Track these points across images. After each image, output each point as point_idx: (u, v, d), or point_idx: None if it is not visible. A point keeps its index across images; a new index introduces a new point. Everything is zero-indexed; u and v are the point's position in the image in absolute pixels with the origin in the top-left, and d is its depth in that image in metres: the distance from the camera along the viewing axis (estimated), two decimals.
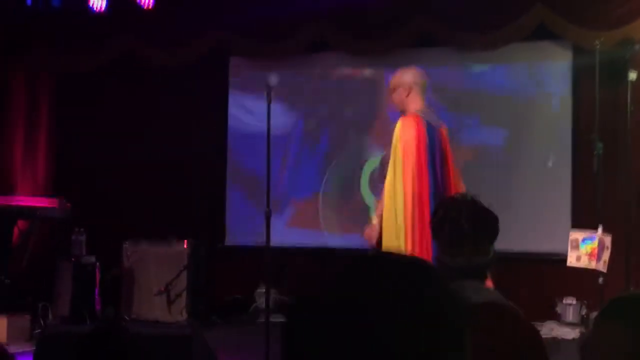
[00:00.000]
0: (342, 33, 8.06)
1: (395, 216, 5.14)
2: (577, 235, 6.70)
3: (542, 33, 7.64)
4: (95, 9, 8.40)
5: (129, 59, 8.60)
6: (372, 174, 8.28)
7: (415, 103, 5.43)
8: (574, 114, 7.75)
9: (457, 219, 2.47)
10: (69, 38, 8.64)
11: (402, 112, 5.42)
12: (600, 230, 6.66)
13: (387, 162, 5.35)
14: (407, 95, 5.44)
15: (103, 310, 7.78)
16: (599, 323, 1.68)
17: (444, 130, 5.45)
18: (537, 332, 2.47)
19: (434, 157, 5.26)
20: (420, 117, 5.34)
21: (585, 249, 6.59)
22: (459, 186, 5.37)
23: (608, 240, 6.60)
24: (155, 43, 8.52)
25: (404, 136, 5.23)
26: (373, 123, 8.36)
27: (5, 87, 8.96)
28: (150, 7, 8.37)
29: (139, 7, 8.36)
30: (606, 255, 6.56)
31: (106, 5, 8.41)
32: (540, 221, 7.79)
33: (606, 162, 6.97)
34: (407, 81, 5.51)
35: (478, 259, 2.46)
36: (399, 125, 5.30)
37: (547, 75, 7.90)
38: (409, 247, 5.06)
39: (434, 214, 2.56)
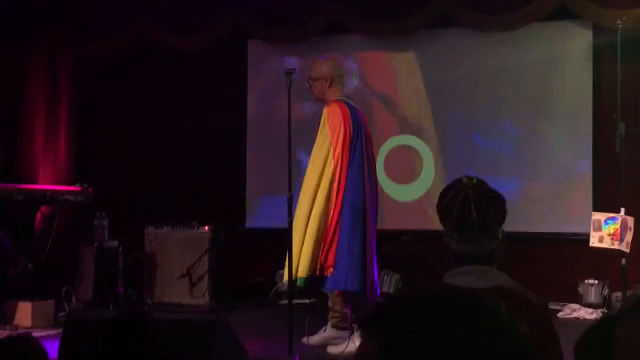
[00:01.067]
0: (360, 15, 8.03)
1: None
2: (599, 216, 6.67)
3: (562, 13, 7.58)
4: None
5: (147, 44, 8.60)
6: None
7: (335, 93, 5.86)
8: (595, 94, 7.70)
9: (464, 203, 2.41)
10: (87, 22, 8.65)
11: (322, 102, 5.88)
12: (622, 211, 6.63)
13: None
14: (329, 86, 5.83)
15: (126, 293, 7.84)
16: (621, 323, 1.63)
17: (364, 114, 6.00)
18: (549, 316, 2.46)
19: (362, 138, 5.74)
20: (342, 102, 5.84)
21: (608, 230, 6.57)
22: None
23: (631, 221, 6.57)
24: (172, 27, 8.51)
25: (332, 122, 5.71)
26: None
27: (25, 74, 9.00)
28: None
29: None
30: (629, 236, 6.53)
31: None
32: (562, 202, 7.77)
33: (628, 143, 6.93)
34: (328, 72, 5.88)
35: (487, 244, 2.42)
36: (325, 113, 5.76)
37: (567, 56, 7.85)
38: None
39: (441, 198, 2.49)
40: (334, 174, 5.65)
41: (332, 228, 5.63)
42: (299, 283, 5.64)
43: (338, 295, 5.74)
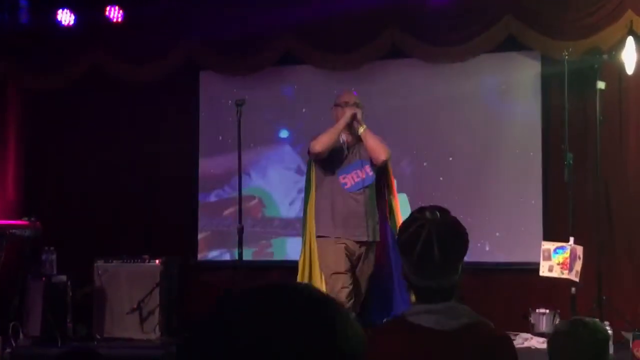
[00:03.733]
0: (311, 47, 8.05)
1: None
2: (549, 245, 6.72)
3: (511, 44, 7.67)
4: (63, 23, 8.34)
5: (98, 75, 8.53)
6: None
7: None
8: (543, 124, 7.78)
9: (427, 239, 2.36)
10: (37, 54, 8.56)
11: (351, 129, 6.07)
12: (572, 240, 6.70)
13: None
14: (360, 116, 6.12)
15: (75, 329, 7.70)
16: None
17: None
18: (513, 347, 2.46)
19: None
20: None
21: (557, 259, 6.62)
22: None
23: (580, 250, 6.63)
24: (124, 58, 8.46)
25: None
26: None
27: None
28: (119, 21, 8.32)
29: (108, 22, 8.31)
30: (578, 265, 6.59)
31: (74, 20, 8.36)
32: (511, 232, 7.81)
33: (576, 172, 7.01)
34: (359, 103, 6.21)
35: (447, 279, 2.39)
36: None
37: (516, 86, 7.93)
38: None
39: (403, 231, 2.43)
40: None
41: None
42: None
43: None
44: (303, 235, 6.02)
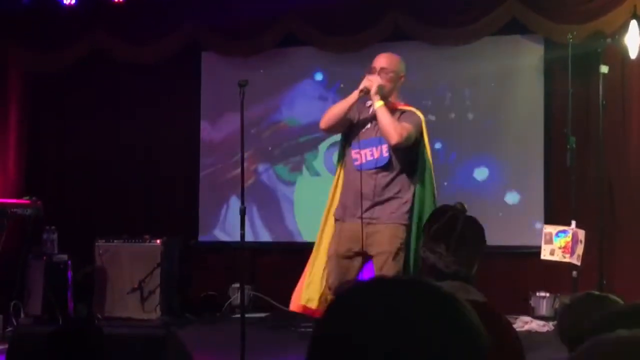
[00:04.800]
0: (313, 29, 8.03)
1: None
2: (550, 229, 6.72)
3: (514, 27, 7.65)
4: (65, 2, 8.31)
5: (100, 55, 8.52)
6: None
7: (396, 97, 5.45)
8: (546, 108, 7.77)
9: (463, 227, 2.54)
10: (38, 34, 8.54)
11: (383, 99, 5.29)
12: (573, 224, 6.70)
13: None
14: (398, 86, 5.43)
15: (75, 308, 7.72)
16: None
17: None
18: (516, 332, 2.53)
19: None
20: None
21: (559, 243, 6.62)
22: None
23: (581, 234, 6.63)
24: (126, 39, 8.44)
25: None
26: None
27: None
28: (121, 1, 8.29)
29: (110, 2, 8.28)
30: (580, 249, 6.59)
31: (76, 0, 8.33)
32: (513, 215, 7.82)
33: (579, 156, 7.00)
34: (404, 73, 5.50)
35: (473, 268, 2.58)
36: (421, 120, 5.37)
37: (519, 70, 7.92)
38: None
39: (435, 219, 2.61)
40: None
41: None
42: None
43: None
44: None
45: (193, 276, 8.35)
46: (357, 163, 5.33)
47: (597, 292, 3.05)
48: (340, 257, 5.32)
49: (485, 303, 2.47)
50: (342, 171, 5.53)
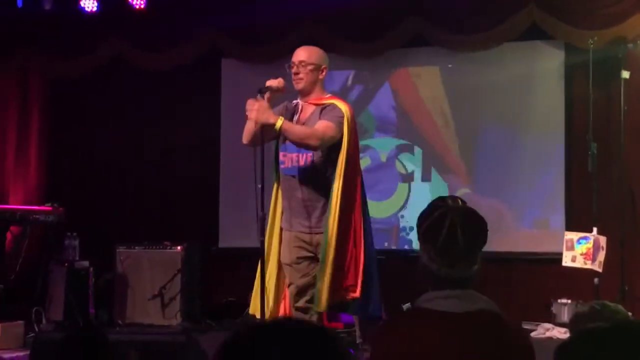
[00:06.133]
0: (332, 35, 8.03)
1: None
2: (572, 235, 6.70)
3: (534, 32, 7.62)
4: (86, 10, 8.37)
5: (121, 62, 8.56)
6: None
7: (322, 89, 5.25)
8: (567, 113, 7.73)
9: (452, 225, 2.35)
10: (60, 42, 8.60)
11: (304, 93, 5.17)
12: (595, 231, 6.66)
13: None
14: (321, 78, 5.23)
15: (97, 314, 7.75)
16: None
17: None
18: (529, 340, 2.44)
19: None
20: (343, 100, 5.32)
21: (580, 250, 6.59)
22: None
23: (603, 240, 6.59)
24: (146, 45, 8.48)
25: (352, 123, 5.11)
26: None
27: None
28: (142, 8, 8.34)
29: (131, 9, 8.33)
30: (601, 255, 6.55)
31: (97, 7, 8.38)
32: (534, 221, 7.78)
33: (600, 162, 6.97)
34: (324, 63, 5.25)
35: (468, 269, 2.38)
36: (346, 110, 5.07)
37: (539, 75, 7.88)
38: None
39: (425, 218, 2.42)
40: (356, 181, 5.12)
41: (360, 243, 5.08)
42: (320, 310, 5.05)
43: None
44: None
45: (214, 282, 8.36)
46: (282, 166, 5.19)
47: (598, 306, 3.01)
48: (291, 265, 5.22)
49: (492, 312, 2.37)
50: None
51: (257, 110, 4.99)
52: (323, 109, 5.14)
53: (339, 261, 4.99)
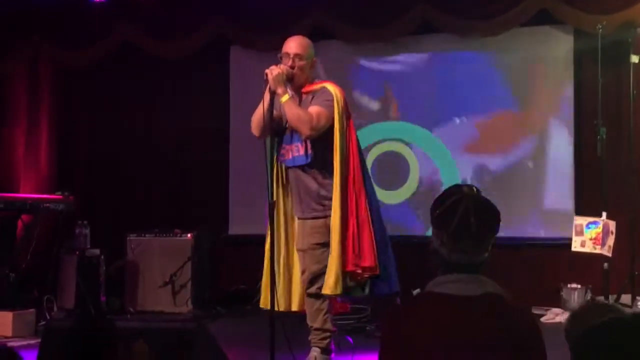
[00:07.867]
0: (341, 22, 8.02)
1: None
2: (581, 220, 6.69)
3: (543, 18, 7.60)
4: None
5: (130, 50, 8.58)
6: None
7: (310, 78, 5.28)
8: (576, 98, 7.71)
9: (465, 214, 2.37)
10: (69, 31, 8.62)
11: (298, 86, 5.18)
12: (604, 215, 6.66)
13: None
14: (310, 71, 5.26)
15: (108, 302, 7.80)
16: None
17: None
18: (537, 324, 2.45)
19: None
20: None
21: (590, 234, 6.59)
22: None
23: (612, 225, 6.59)
24: (155, 33, 8.50)
25: (345, 105, 5.17)
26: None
27: (5, 81, 8.95)
28: None
29: None
30: (610, 240, 6.55)
31: None
32: (544, 207, 7.78)
33: (609, 147, 6.95)
34: (313, 56, 5.29)
35: (479, 255, 2.40)
36: (336, 93, 5.12)
37: (548, 60, 7.86)
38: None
39: (439, 204, 2.44)
40: (354, 161, 5.13)
41: (365, 222, 5.08)
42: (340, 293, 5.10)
43: (329, 312, 5.41)
44: None
45: (224, 269, 8.40)
46: (283, 159, 5.28)
47: (600, 302, 3.02)
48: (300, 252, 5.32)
49: (498, 295, 2.39)
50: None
51: (276, 75, 5.01)
52: (314, 95, 5.20)
53: (346, 242, 5.03)
